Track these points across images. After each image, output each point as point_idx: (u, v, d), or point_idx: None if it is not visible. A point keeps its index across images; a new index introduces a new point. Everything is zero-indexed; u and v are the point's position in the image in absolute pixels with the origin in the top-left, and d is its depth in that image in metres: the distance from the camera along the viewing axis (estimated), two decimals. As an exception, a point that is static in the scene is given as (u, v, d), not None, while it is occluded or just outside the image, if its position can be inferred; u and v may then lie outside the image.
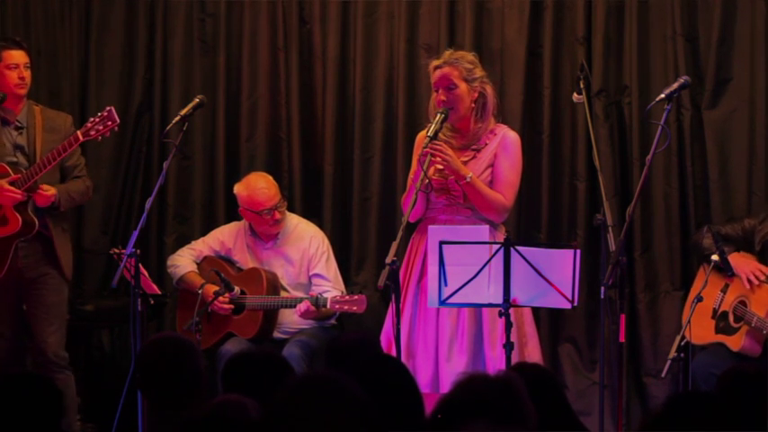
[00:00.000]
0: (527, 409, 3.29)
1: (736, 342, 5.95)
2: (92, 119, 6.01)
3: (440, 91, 5.73)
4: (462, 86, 5.73)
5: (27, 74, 6.18)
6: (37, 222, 6.06)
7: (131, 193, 7.22)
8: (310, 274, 6.52)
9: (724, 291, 6.04)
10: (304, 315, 6.30)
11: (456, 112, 5.72)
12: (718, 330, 6.03)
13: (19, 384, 3.59)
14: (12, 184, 5.99)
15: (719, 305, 6.04)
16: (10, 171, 6.06)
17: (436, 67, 5.78)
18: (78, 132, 5.98)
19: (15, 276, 6.08)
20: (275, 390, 2.97)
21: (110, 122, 5.98)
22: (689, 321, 5.59)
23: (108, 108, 6.01)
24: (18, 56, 6.17)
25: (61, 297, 6.20)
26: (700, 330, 5.97)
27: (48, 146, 6.10)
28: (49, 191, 6.03)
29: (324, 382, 2.92)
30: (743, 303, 5.98)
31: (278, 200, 6.49)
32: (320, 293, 6.31)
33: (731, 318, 6.01)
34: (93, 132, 5.97)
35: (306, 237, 6.57)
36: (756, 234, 6.11)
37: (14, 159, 6.11)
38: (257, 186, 6.49)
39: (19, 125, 6.17)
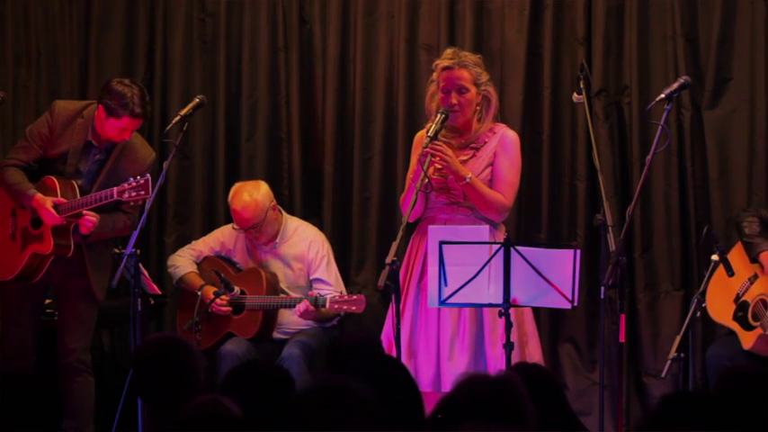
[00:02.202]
0: (527, 409, 3.29)
1: (747, 340, 5.94)
2: (131, 180, 5.76)
3: (452, 93, 5.71)
4: (473, 90, 5.73)
5: (128, 136, 5.98)
6: (72, 248, 5.93)
7: (131, 193, 7.22)
8: (311, 278, 6.50)
9: (752, 280, 6.02)
10: (303, 315, 6.29)
11: (463, 115, 5.73)
12: (735, 317, 6.02)
13: (19, 385, 3.59)
14: (55, 206, 5.86)
15: (743, 293, 6.02)
16: (58, 190, 5.92)
17: (446, 68, 5.76)
18: (114, 190, 5.78)
19: (45, 278, 6.06)
20: (275, 402, 2.98)
21: (143, 192, 5.74)
22: (689, 320, 5.59)
23: (146, 176, 5.75)
24: (133, 125, 5.93)
25: (91, 306, 6.10)
26: (720, 308, 5.97)
27: (113, 178, 5.95)
28: (91, 221, 5.85)
29: (336, 390, 2.92)
30: (763, 303, 5.97)
31: (251, 224, 6.41)
32: (320, 294, 6.30)
33: (750, 313, 5.99)
34: (126, 195, 5.76)
35: (305, 240, 6.55)
36: None
37: (77, 182, 5.97)
38: (234, 207, 6.42)
39: (102, 155, 6.02)
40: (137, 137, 6.15)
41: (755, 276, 6.02)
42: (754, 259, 5.99)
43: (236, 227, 6.50)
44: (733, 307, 6.02)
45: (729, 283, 5.87)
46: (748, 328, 5.97)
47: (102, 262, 6.07)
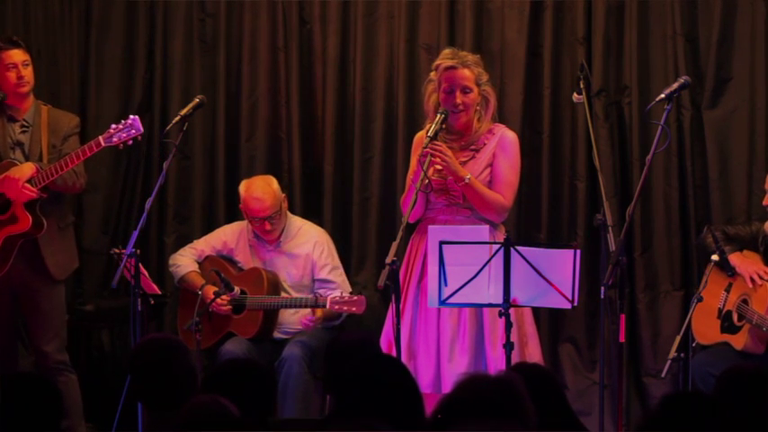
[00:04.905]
0: (527, 409, 3.30)
1: (739, 341, 5.96)
2: (114, 125, 5.92)
3: (456, 93, 5.71)
4: (475, 90, 5.75)
5: (27, 72, 6.12)
6: (45, 223, 6.01)
7: (131, 193, 7.22)
8: (315, 278, 6.50)
9: (728, 290, 6.05)
10: (309, 328, 6.32)
11: (466, 114, 5.73)
12: (723, 330, 6.04)
13: (18, 385, 3.59)
14: (27, 181, 5.94)
15: (724, 305, 6.05)
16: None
17: (449, 68, 5.75)
18: (100, 138, 5.90)
19: (7, 279, 6.06)
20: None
21: (133, 131, 5.90)
22: (689, 320, 5.61)
23: (132, 117, 5.94)
24: (15, 55, 6.11)
25: (55, 302, 6.13)
26: (706, 330, 6.00)
27: (50, 145, 6.07)
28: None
29: None
30: (745, 302, 5.99)
31: (271, 212, 6.44)
32: (319, 294, 6.30)
33: (735, 317, 6.02)
34: (115, 139, 5.87)
35: (310, 240, 6.55)
36: (759, 235, 6.13)
37: (12, 156, 6.08)
38: (254, 195, 6.45)
39: (25, 124, 6.13)
40: (55, 110, 6.25)
41: (730, 285, 6.04)
42: (725, 260, 5.91)
43: (253, 218, 6.45)
44: (718, 323, 6.05)
45: (709, 305, 5.88)
46: (737, 331, 5.99)
47: (54, 239, 6.10)
